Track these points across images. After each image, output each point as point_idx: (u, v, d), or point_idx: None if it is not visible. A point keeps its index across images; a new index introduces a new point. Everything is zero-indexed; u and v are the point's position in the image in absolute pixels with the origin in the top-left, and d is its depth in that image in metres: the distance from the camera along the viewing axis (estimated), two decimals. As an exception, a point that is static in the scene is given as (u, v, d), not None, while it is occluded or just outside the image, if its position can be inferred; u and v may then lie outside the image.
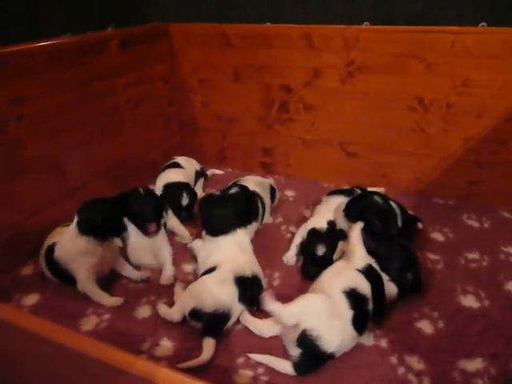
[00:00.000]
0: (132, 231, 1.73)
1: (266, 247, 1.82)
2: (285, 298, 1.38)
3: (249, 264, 1.57)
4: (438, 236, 1.95)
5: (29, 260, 1.78)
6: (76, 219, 1.58)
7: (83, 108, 1.96)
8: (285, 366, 1.29)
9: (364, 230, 1.55)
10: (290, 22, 2.25)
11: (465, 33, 1.91)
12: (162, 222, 1.78)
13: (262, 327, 1.42)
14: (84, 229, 1.56)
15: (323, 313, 1.29)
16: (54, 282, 1.65)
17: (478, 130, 2.06)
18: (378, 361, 1.33)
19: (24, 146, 1.72)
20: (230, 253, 1.59)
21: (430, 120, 2.11)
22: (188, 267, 1.77)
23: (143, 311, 1.54)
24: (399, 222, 1.66)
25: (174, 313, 1.45)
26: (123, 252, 1.76)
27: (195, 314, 1.39)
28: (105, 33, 2.18)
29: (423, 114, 2.11)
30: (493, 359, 1.33)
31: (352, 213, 1.67)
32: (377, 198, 1.67)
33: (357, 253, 1.49)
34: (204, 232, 1.71)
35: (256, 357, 1.33)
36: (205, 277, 1.50)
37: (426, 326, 1.46)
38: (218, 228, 1.65)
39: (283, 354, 1.34)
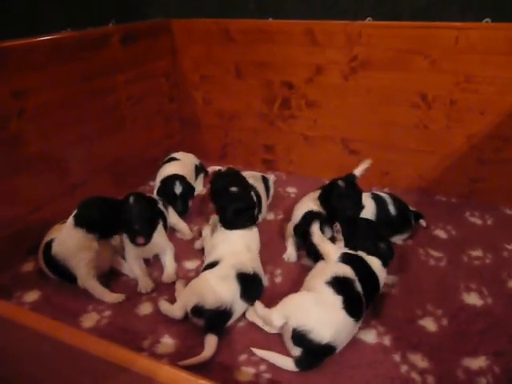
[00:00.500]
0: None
1: (267, 244, 1.81)
2: (287, 294, 1.38)
3: (251, 261, 1.57)
4: (440, 233, 1.94)
5: (29, 257, 1.77)
6: (74, 212, 1.60)
7: (84, 104, 1.95)
8: (287, 363, 1.28)
9: (335, 216, 1.67)
10: (293, 17, 2.23)
11: (469, 28, 1.90)
12: (156, 231, 1.68)
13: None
14: (79, 221, 1.57)
15: (307, 308, 1.31)
16: (53, 279, 1.64)
17: (481, 127, 2.05)
18: (381, 358, 1.32)
19: (25, 142, 1.71)
20: (236, 247, 1.60)
21: (433, 117, 2.10)
22: (190, 264, 1.76)
23: (144, 308, 1.53)
24: (360, 203, 1.73)
25: (176, 310, 1.45)
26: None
27: (197, 310, 1.39)
28: (106, 28, 2.16)
29: (426, 111, 2.10)
30: (496, 357, 1.33)
31: (323, 200, 1.79)
32: (339, 183, 1.75)
33: (326, 249, 1.52)
34: (219, 224, 1.71)
35: (259, 352, 1.33)
36: (206, 272, 1.50)
37: (429, 324, 1.45)
38: (239, 223, 1.66)
39: (285, 350, 1.34)
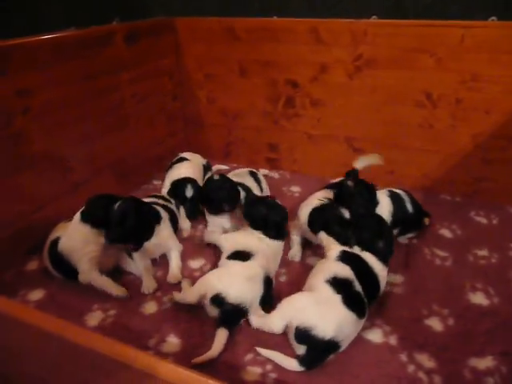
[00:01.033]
0: None
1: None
2: (291, 293, 1.38)
3: (274, 270, 1.62)
4: (446, 233, 1.93)
5: (33, 255, 1.77)
6: (82, 208, 1.62)
7: (88, 102, 1.95)
8: (291, 363, 1.28)
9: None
10: (297, 15, 2.23)
11: (475, 27, 1.89)
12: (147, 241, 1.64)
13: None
14: (85, 217, 1.59)
15: (308, 305, 1.32)
16: (58, 277, 1.64)
17: (486, 126, 2.04)
18: (388, 358, 1.32)
19: (29, 140, 1.71)
20: (267, 252, 1.61)
21: (438, 116, 2.09)
22: (194, 263, 1.76)
23: (149, 307, 1.52)
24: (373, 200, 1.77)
25: (192, 294, 1.44)
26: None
27: (217, 300, 1.39)
28: (109, 27, 2.15)
29: (431, 110, 2.09)
30: (503, 357, 1.32)
31: (336, 199, 1.81)
32: (349, 183, 1.77)
33: (328, 247, 1.55)
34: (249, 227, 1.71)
35: (263, 352, 1.32)
36: (237, 265, 1.50)
37: (435, 324, 1.44)
38: (281, 235, 1.70)
39: (290, 351, 1.33)
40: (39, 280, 1.65)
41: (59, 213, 1.78)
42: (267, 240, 1.65)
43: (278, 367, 1.29)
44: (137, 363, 0.84)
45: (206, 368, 1.25)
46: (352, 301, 1.33)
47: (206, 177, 2.34)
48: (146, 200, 1.86)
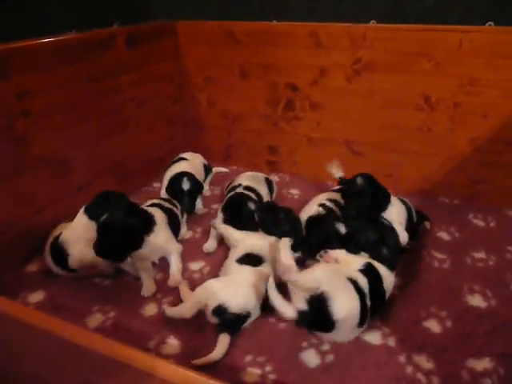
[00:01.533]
0: None
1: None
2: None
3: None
4: (444, 235, 1.94)
5: (34, 257, 1.77)
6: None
7: (89, 105, 1.96)
8: (288, 311, 1.29)
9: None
10: (297, 19, 2.24)
11: (473, 32, 1.91)
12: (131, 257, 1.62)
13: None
14: (86, 208, 1.67)
15: (340, 282, 1.31)
16: (57, 273, 1.65)
17: (484, 130, 2.05)
18: (386, 360, 1.32)
19: (30, 143, 1.71)
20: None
21: (436, 119, 2.11)
22: (194, 265, 1.76)
23: (149, 309, 1.53)
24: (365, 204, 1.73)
25: (188, 309, 1.39)
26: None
27: (219, 311, 1.37)
28: (111, 30, 2.17)
29: (430, 113, 2.10)
30: (501, 358, 1.33)
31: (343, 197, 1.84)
32: (358, 180, 1.76)
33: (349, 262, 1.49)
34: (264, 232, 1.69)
35: (271, 293, 1.31)
36: (245, 273, 1.47)
37: (433, 326, 1.45)
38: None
39: (288, 352, 1.34)
40: (39, 282, 1.65)
41: (60, 215, 1.79)
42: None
43: (277, 369, 1.29)
44: (136, 363, 0.85)
45: (205, 369, 1.25)
46: (363, 308, 1.32)
47: (208, 176, 2.35)
48: (149, 202, 1.87)
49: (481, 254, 1.81)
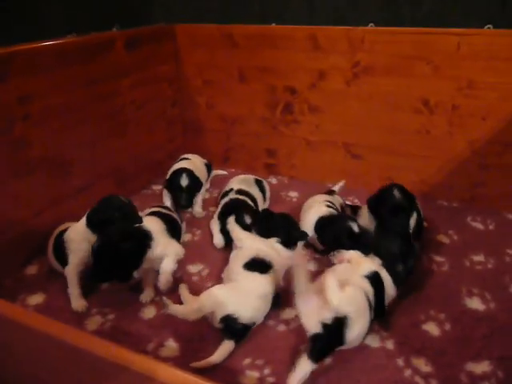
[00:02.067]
0: None
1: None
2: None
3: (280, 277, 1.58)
4: (443, 238, 1.94)
5: (33, 260, 1.77)
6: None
7: (88, 108, 1.97)
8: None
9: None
10: (296, 22, 2.25)
11: (471, 35, 1.92)
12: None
13: None
14: (88, 215, 1.62)
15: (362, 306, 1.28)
16: (58, 269, 1.65)
17: (483, 133, 2.06)
18: (385, 363, 1.32)
19: (29, 146, 1.72)
20: (279, 259, 1.58)
21: (435, 122, 2.11)
22: (193, 268, 1.77)
23: (148, 312, 1.53)
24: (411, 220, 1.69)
25: (193, 312, 1.36)
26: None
27: (228, 320, 1.34)
28: (110, 33, 2.18)
29: (429, 116, 2.11)
30: (500, 362, 1.33)
31: (372, 208, 1.77)
32: (396, 193, 1.70)
33: (356, 260, 1.47)
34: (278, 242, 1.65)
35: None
36: (252, 282, 1.44)
37: (432, 329, 1.45)
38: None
39: (287, 355, 1.34)
40: (39, 285, 1.65)
41: (59, 218, 1.79)
42: (280, 248, 1.62)
43: (275, 371, 1.29)
44: (136, 366, 0.85)
45: (203, 372, 1.25)
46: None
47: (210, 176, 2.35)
48: (148, 211, 1.85)
49: (480, 257, 1.81)
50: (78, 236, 1.60)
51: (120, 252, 1.48)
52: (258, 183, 2.16)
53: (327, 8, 2.22)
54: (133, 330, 1.45)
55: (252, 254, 1.53)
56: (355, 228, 1.68)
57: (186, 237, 1.96)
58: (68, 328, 0.95)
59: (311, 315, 1.25)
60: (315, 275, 1.46)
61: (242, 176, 2.21)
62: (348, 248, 1.53)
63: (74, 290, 1.55)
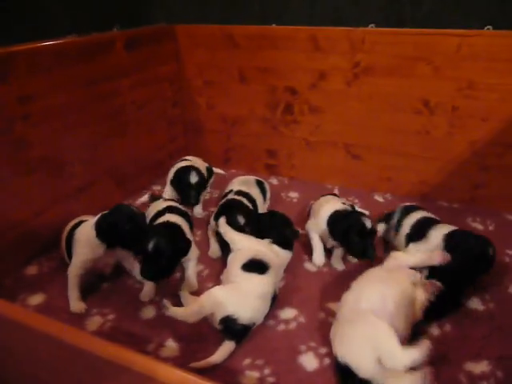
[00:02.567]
0: None
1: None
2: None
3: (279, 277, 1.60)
4: (442, 239, 1.94)
5: (33, 260, 1.78)
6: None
7: (89, 108, 1.97)
8: None
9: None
10: (296, 23, 2.25)
11: (471, 36, 1.92)
12: None
13: None
14: (96, 223, 1.57)
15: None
16: (65, 259, 1.66)
17: (483, 134, 2.06)
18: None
19: (29, 146, 1.72)
20: (276, 260, 1.59)
21: (435, 123, 2.11)
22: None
23: (148, 312, 1.53)
24: None
25: (193, 314, 1.35)
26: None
27: (228, 321, 1.35)
28: (110, 33, 2.18)
29: (429, 117, 2.11)
30: (499, 362, 1.33)
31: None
32: (491, 251, 1.60)
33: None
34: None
35: None
36: (252, 283, 1.44)
37: (432, 329, 1.45)
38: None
39: (287, 355, 1.35)
40: (39, 285, 1.66)
41: (59, 218, 1.79)
42: (277, 249, 1.63)
43: (275, 371, 1.30)
44: (136, 366, 0.85)
45: (203, 372, 1.26)
46: None
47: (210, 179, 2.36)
48: (164, 204, 1.85)
49: (479, 258, 1.81)
50: (83, 238, 1.59)
51: (177, 250, 1.54)
52: (259, 184, 2.16)
53: (327, 8, 2.22)
54: (133, 330, 1.45)
55: (250, 255, 1.53)
56: (368, 224, 1.65)
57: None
58: (68, 328, 0.95)
59: None
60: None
61: (243, 177, 2.21)
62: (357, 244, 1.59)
63: (73, 292, 1.55)
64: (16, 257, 1.74)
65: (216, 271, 1.73)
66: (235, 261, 1.55)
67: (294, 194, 2.36)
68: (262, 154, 2.57)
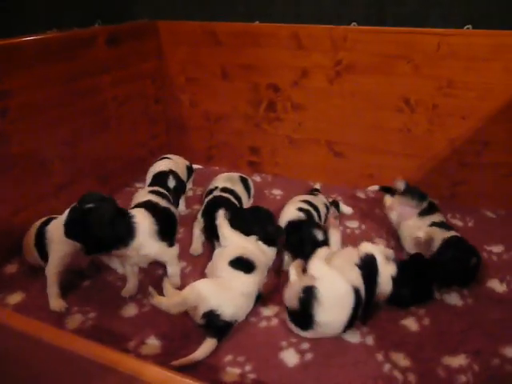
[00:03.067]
0: None
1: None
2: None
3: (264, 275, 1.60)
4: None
5: (12, 258, 1.75)
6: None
7: (69, 104, 1.94)
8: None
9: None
10: (279, 21, 2.26)
11: (450, 35, 1.94)
12: None
13: None
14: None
15: None
16: (38, 264, 1.63)
17: (462, 131, 2.09)
18: (364, 358, 1.34)
19: (8, 142, 1.69)
20: (266, 263, 1.60)
21: (416, 120, 2.14)
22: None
23: (129, 310, 1.52)
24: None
25: (175, 305, 1.36)
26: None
27: (210, 316, 1.35)
28: (92, 29, 2.16)
29: (410, 115, 2.14)
30: (476, 356, 1.36)
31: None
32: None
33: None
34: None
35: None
36: (238, 280, 1.44)
37: (411, 324, 1.47)
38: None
39: (268, 352, 1.36)
40: (18, 283, 1.64)
41: (39, 215, 1.76)
42: (263, 246, 1.63)
43: (257, 368, 1.30)
44: (121, 366, 0.85)
45: (184, 369, 1.25)
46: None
47: (191, 178, 2.36)
48: (144, 196, 1.80)
49: (458, 253, 1.84)
50: (58, 233, 1.55)
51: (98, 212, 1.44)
52: (243, 181, 2.16)
53: (311, 6, 2.23)
54: (113, 328, 1.44)
55: (238, 253, 1.53)
56: (319, 236, 1.66)
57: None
58: (47, 327, 0.94)
59: None
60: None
61: (227, 174, 2.21)
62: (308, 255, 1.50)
63: (52, 289, 1.53)
64: (-5, 255, 1.71)
65: (199, 268, 1.73)
66: (223, 256, 1.54)
67: (277, 191, 2.37)
68: (245, 151, 2.57)
